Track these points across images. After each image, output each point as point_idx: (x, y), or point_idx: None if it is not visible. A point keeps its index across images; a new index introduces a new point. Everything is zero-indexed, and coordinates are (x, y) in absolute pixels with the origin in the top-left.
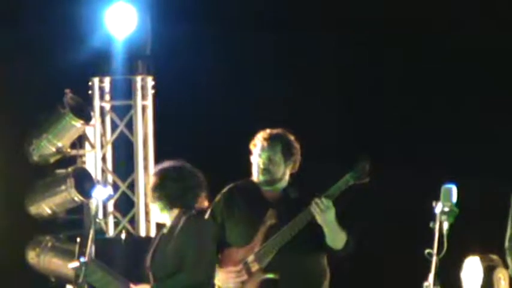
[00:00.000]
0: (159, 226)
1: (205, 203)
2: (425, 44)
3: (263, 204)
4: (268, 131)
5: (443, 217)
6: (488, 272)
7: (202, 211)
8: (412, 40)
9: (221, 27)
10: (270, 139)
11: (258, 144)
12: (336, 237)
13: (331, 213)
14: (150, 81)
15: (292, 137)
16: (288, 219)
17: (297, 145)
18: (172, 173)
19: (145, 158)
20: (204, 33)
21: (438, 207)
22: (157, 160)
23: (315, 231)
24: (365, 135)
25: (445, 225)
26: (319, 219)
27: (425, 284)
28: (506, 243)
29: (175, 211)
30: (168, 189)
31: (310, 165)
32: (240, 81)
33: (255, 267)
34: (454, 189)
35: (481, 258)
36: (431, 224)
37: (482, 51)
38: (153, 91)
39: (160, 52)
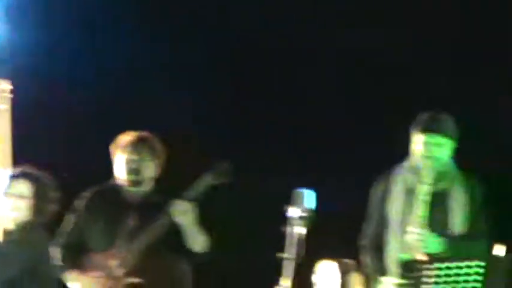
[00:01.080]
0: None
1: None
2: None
3: (125, 208)
4: (134, 132)
5: (298, 221)
6: (343, 276)
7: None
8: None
9: (82, 33)
10: (137, 141)
11: (124, 145)
12: (196, 240)
13: (190, 216)
14: (7, 85)
15: (157, 140)
16: (150, 223)
17: (162, 148)
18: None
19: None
20: (62, 38)
21: (291, 212)
22: (14, 163)
23: (176, 234)
24: (224, 137)
25: (300, 230)
26: (179, 221)
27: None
28: (362, 241)
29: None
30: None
31: (176, 169)
32: (99, 84)
33: (118, 272)
34: (307, 193)
35: (335, 262)
36: (284, 228)
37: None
38: (10, 95)
39: (18, 56)
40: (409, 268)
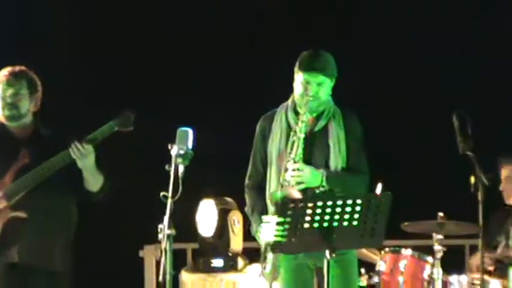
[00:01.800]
0: None
1: None
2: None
3: (13, 142)
4: (10, 67)
5: (179, 160)
6: (223, 214)
7: None
8: None
9: None
10: (15, 74)
11: (1, 79)
12: (94, 181)
13: (92, 158)
14: None
15: (33, 73)
16: (41, 158)
17: (39, 82)
18: None
19: None
20: None
21: (174, 150)
22: None
23: (70, 173)
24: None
25: (181, 168)
26: (79, 163)
27: (160, 226)
28: (246, 181)
29: None
30: None
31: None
32: None
33: (2, 204)
34: (190, 132)
35: (215, 201)
36: (167, 167)
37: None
38: None
39: None
40: (285, 205)
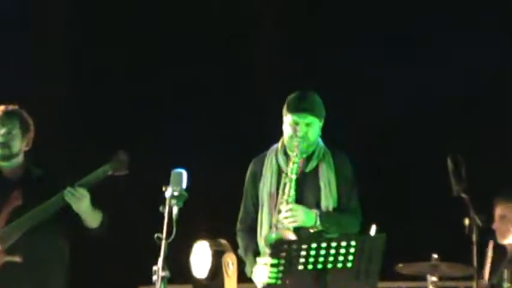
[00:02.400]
0: None
1: None
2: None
3: (4, 183)
4: (3, 106)
5: (173, 201)
6: (217, 257)
7: None
8: None
9: None
10: (8, 113)
11: None
12: (93, 219)
13: (86, 201)
14: None
15: (26, 112)
16: (33, 200)
17: (31, 122)
18: None
19: None
20: None
21: (168, 192)
22: None
23: (67, 213)
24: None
25: (175, 210)
26: (74, 206)
27: (155, 268)
28: (237, 223)
29: None
30: None
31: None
32: None
33: None
34: (184, 173)
35: (210, 243)
36: (161, 208)
37: None
38: None
39: None
40: (279, 247)
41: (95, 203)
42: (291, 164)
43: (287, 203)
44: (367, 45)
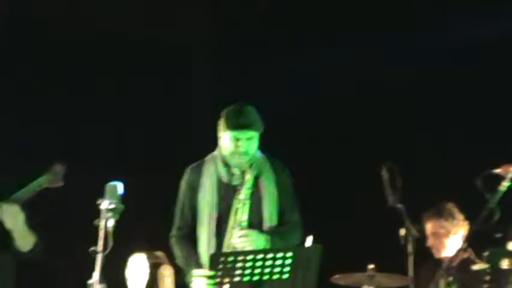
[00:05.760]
0: None
1: None
2: None
3: None
4: None
5: (109, 214)
6: (153, 269)
7: None
8: None
9: None
10: None
11: None
12: (25, 240)
13: (19, 219)
14: None
15: None
16: None
17: None
18: None
19: None
20: None
21: (104, 204)
22: None
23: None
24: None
25: (111, 222)
26: (7, 223)
27: (90, 282)
28: (174, 232)
29: None
30: None
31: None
32: None
33: None
34: (119, 186)
35: (146, 255)
36: (96, 221)
37: None
38: None
39: None
40: (216, 259)
41: (29, 225)
42: (244, 189)
43: (241, 228)
44: None
